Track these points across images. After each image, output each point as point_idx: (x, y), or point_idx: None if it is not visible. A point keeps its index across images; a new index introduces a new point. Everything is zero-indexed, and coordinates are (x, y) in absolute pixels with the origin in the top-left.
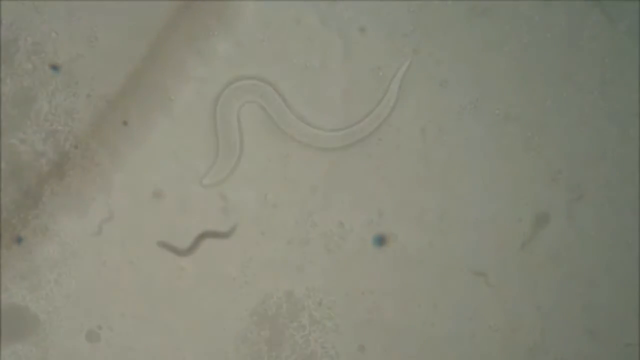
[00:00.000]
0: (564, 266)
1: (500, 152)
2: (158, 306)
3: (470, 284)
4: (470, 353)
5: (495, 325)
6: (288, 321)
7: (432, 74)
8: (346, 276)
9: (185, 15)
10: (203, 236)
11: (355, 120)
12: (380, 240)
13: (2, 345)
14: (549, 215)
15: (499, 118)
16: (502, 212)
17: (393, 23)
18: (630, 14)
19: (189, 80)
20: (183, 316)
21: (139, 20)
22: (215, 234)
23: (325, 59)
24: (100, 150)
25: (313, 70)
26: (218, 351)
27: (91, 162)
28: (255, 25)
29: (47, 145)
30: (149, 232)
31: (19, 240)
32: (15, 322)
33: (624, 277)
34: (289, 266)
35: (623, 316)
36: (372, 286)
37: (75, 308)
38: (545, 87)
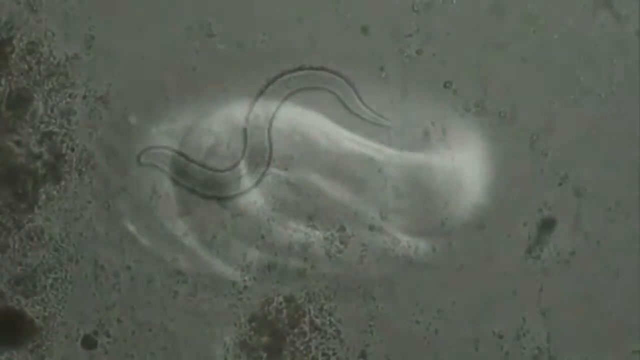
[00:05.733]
0: (570, 271)
1: (505, 155)
2: (155, 311)
3: (474, 289)
4: None
5: (499, 332)
6: (288, 327)
7: (435, 75)
8: (348, 281)
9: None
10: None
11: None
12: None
13: None
14: (555, 220)
15: (504, 120)
16: (507, 216)
17: (396, 23)
18: None
19: (188, 81)
20: (181, 322)
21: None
22: None
23: (327, 58)
24: (97, 152)
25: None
26: (216, 358)
27: (88, 165)
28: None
29: (43, 147)
30: (146, 234)
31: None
32: (11, 328)
33: (632, 282)
34: (289, 271)
35: (631, 323)
36: (374, 292)
37: (72, 313)
38: (551, 88)
